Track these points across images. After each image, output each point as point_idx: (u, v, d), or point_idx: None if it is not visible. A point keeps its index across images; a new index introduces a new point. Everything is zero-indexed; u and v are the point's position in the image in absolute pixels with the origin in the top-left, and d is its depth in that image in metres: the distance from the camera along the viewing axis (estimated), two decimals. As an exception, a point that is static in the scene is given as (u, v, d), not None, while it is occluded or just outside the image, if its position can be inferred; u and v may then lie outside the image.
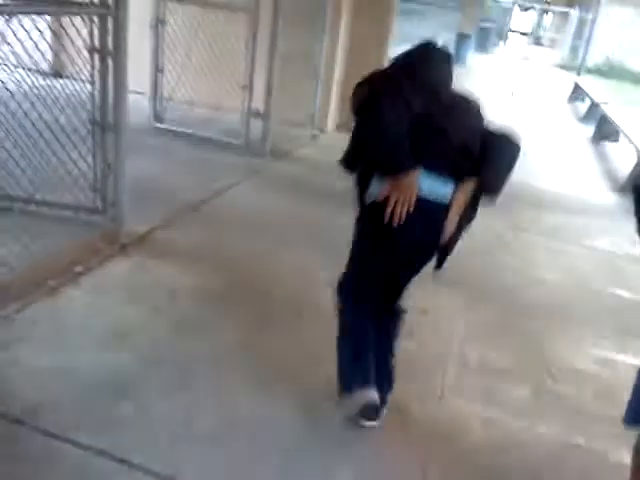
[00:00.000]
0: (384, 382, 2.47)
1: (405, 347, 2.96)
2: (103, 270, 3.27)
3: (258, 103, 5.70)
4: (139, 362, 2.60)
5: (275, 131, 5.86)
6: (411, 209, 2.13)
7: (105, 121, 3.38)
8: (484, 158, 2.24)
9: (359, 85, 2.20)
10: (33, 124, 3.68)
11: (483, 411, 2.66)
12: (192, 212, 4.25)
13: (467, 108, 2.32)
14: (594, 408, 2.82)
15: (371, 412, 2.38)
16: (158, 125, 6.02)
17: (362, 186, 2.31)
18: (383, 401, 2.44)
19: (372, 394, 2.31)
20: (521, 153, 2.35)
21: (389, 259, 2.33)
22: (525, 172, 6.88)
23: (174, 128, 5.97)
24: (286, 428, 2.37)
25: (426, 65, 2.29)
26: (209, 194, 4.59)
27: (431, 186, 2.17)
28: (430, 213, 2.19)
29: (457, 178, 2.21)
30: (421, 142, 2.12)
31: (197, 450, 2.19)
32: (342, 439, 2.38)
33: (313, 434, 2.37)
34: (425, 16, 11.09)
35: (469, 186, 2.23)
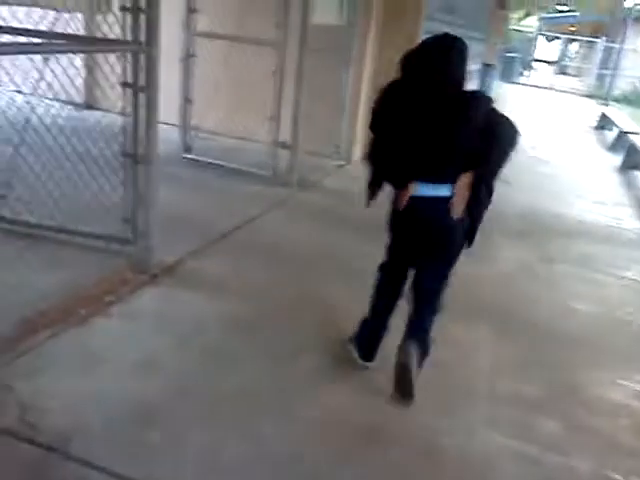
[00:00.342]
0: (415, 343, 2.73)
1: (434, 379, 2.94)
2: (133, 300, 3.31)
3: (285, 134, 5.78)
4: (168, 391, 2.61)
5: (302, 162, 5.93)
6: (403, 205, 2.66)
7: (137, 153, 3.45)
8: (482, 154, 2.55)
9: (379, 92, 2.68)
10: (67, 157, 3.79)
11: (514, 445, 2.61)
12: (221, 242, 4.30)
13: (476, 108, 2.57)
14: (630, 442, 2.75)
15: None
16: (187, 156, 6.13)
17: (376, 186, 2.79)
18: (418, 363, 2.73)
19: (363, 365, 2.96)
20: (518, 140, 2.60)
21: (406, 243, 2.81)
22: (553, 201, 6.85)
23: (202, 159, 6.07)
24: (313, 460, 2.35)
25: (439, 65, 2.54)
26: (237, 224, 4.64)
27: (429, 190, 2.62)
28: (429, 207, 2.64)
29: (453, 177, 2.60)
30: (427, 153, 2.58)
31: (225, 481, 2.19)
32: (370, 473, 2.35)
33: (341, 467, 2.35)
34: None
35: (468, 178, 2.58)
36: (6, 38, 3.28)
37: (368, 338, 2.98)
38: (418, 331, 2.77)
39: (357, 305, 3.09)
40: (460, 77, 2.58)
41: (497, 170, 2.61)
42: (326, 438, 2.48)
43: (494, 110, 2.56)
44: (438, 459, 2.46)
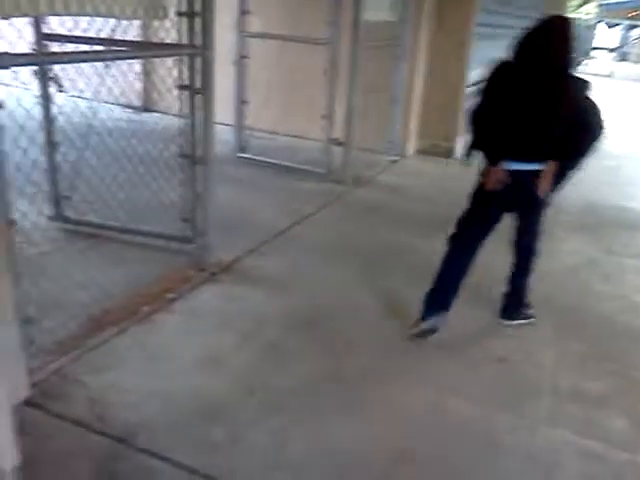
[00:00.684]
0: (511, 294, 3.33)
1: (497, 374, 2.91)
2: (194, 297, 3.39)
3: (338, 131, 5.79)
4: (230, 387, 2.66)
5: (356, 158, 5.93)
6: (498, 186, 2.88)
7: (194, 154, 3.52)
8: (570, 142, 2.81)
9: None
10: (128, 159, 3.90)
11: (579, 442, 2.54)
12: (278, 239, 4.34)
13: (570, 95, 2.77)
14: (702, 441, 2.64)
15: (427, 334, 3.09)
16: (242, 155, 6.22)
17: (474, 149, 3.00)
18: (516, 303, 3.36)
19: (426, 324, 3.06)
20: (603, 133, 2.84)
21: (494, 208, 3.00)
22: (617, 193, 6.63)
23: (258, 158, 6.14)
24: (379, 458, 2.35)
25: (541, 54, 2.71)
26: (293, 221, 4.68)
27: (519, 166, 2.86)
28: (519, 177, 2.87)
29: (543, 160, 2.86)
30: (520, 136, 2.82)
31: (289, 477, 2.21)
32: (435, 471, 2.33)
33: (405, 466, 2.33)
34: (505, 38, 10.96)
35: (554, 165, 2.87)
36: (71, 47, 3.41)
37: (436, 302, 3.07)
38: (519, 283, 3.28)
39: (417, 299, 3.08)
40: (564, 61, 2.73)
41: (582, 159, 2.91)
42: (391, 436, 2.47)
43: (588, 98, 2.78)
44: (501, 456, 2.43)
